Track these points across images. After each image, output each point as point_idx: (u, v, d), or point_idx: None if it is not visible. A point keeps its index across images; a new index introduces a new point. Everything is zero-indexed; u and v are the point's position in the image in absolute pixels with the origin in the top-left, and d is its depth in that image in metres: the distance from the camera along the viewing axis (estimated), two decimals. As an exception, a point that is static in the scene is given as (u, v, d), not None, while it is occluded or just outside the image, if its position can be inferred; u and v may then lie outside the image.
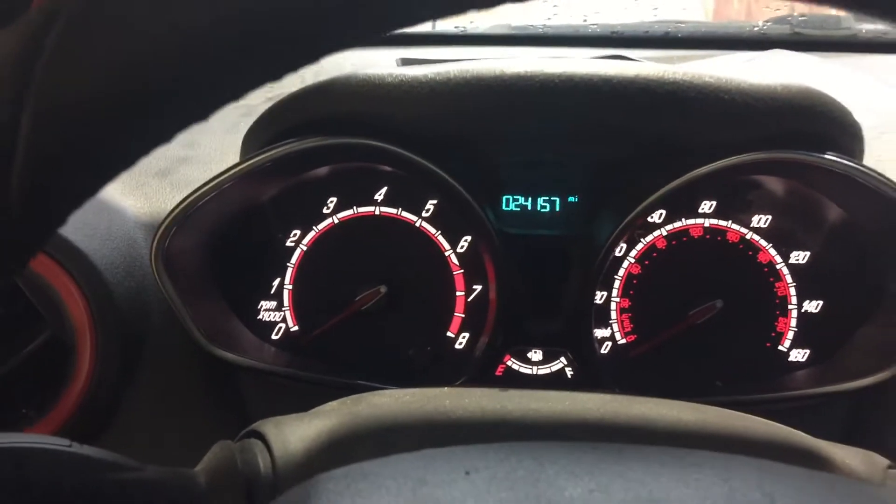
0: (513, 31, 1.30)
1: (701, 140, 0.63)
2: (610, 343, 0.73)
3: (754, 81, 0.61)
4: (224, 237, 0.70)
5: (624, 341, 0.73)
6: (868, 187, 0.61)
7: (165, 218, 0.62)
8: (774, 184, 0.68)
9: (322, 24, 0.24)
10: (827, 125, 0.61)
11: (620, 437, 0.43)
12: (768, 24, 1.46)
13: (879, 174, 0.61)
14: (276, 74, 0.25)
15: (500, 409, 0.45)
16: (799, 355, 0.70)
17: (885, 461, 0.47)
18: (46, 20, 0.24)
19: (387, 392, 0.48)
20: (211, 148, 0.80)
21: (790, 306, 0.70)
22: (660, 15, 1.50)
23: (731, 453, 0.38)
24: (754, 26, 1.44)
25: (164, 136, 0.26)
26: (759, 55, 1.12)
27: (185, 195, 0.64)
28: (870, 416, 0.66)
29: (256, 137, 0.67)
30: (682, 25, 1.41)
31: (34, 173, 0.25)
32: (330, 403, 0.47)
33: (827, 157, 0.60)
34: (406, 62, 0.95)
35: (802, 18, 1.45)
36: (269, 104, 0.67)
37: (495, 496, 0.29)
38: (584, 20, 1.41)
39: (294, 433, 0.44)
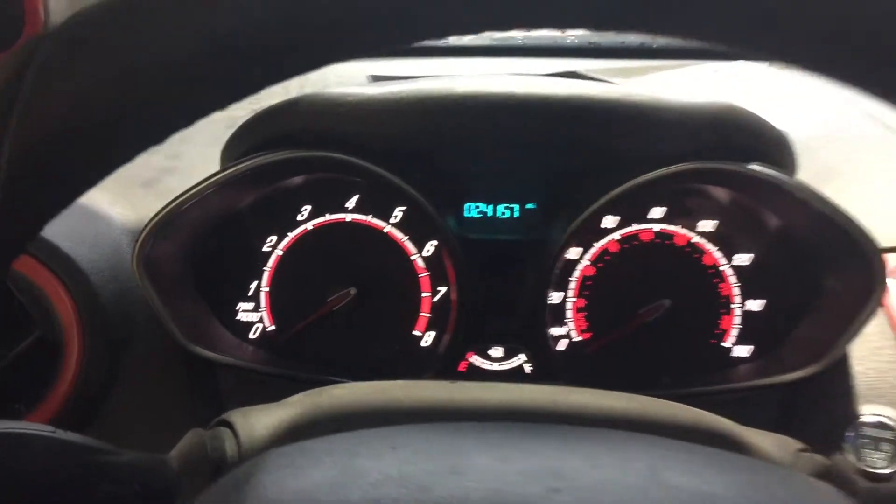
0: (493, 43, 1.35)
1: (640, 153, 0.68)
2: (567, 340, 0.77)
3: (684, 100, 0.66)
4: (204, 243, 0.74)
5: (580, 338, 0.77)
6: (791, 195, 0.66)
7: (146, 225, 0.67)
8: (717, 192, 0.73)
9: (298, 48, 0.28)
10: (750, 138, 0.67)
11: (554, 421, 0.47)
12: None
13: (800, 183, 0.66)
14: (225, 104, 0.30)
15: (447, 398, 0.50)
16: (742, 351, 0.75)
17: (797, 444, 0.52)
18: (26, 58, 0.29)
19: (347, 384, 0.53)
20: (194, 159, 0.85)
21: (733, 305, 0.75)
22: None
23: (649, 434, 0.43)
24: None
25: (127, 158, 0.31)
26: (724, 66, 1.17)
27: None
28: (802, 406, 0.71)
29: (233, 149, 0.72)
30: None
31: (15, 190, 0.29)
32: (295, 395, 0.52)
33: (748, 166, 0.65)
34: (376, 79, 1.00)
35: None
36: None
37: (414, 465, 0.34)
38: (563, 31, 1.46)
39: (259, 421, 0.48)
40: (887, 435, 0.65)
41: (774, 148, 0.67)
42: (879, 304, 0.64)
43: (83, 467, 0.42)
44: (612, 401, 0.50)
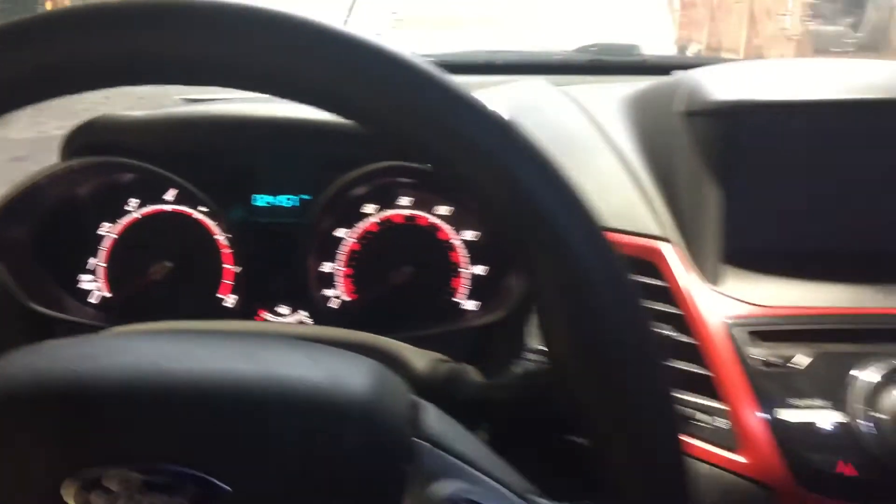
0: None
1: (361, 156, 0.92)
2: (338, 300, 1.00)
3: None
4: (48, 225, 0.96)
5: (349, 299, 1.00)
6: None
7: None
8: (449, 184, 0.97)
9: None
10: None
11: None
12: (572, 52, 1.76)
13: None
14: None
15: (197, 327, 0.71)
16: (470, 305, 0.99)
17: (438, 356, 0.74)
18: None
19: (130, 325, 0.75)
20: None
21: (461, 270, 0.99)
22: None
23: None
24: (561, 54, 1.75)
25: None
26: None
27: None
28: (497, 341, 0.95)
29: (62, 152, 0.94)
30: (499, 54, 1.70)
31: None
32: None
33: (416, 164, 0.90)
34: (190, 101, 1.22)
35: (595, 47, 1.76)
36: None
37: (100, 350, 0.55)
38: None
39: None
40: (543, 359, 0.89)
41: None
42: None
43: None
44: (305, 330, 0.72)
